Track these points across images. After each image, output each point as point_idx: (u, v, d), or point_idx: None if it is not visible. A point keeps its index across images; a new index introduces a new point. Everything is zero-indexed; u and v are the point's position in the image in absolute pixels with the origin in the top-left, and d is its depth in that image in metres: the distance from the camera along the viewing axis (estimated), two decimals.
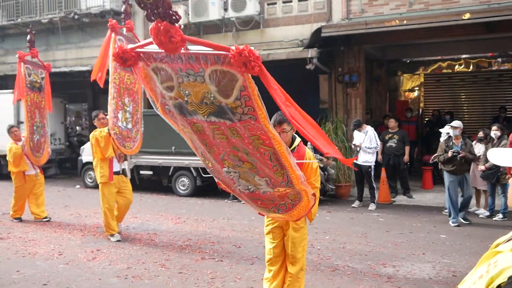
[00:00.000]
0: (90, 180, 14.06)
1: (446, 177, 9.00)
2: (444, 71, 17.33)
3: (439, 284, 5.68)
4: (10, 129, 9.44)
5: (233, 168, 3.64)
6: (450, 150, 8.78)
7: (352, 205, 10.74)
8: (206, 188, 12.55)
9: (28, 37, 9.23)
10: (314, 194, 3.78)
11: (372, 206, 10.44)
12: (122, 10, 7.98)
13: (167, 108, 3.46)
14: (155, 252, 7.05)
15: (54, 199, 9.73)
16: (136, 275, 5.92)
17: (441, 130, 10.17)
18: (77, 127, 20.74)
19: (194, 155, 13.11)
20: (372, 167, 10.55)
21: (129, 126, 7.88)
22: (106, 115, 7.94)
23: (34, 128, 9.20)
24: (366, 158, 10.52)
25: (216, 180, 4.14)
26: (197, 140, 3.59)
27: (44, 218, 9.38)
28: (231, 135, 3.30)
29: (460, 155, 8.67)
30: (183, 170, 12.39)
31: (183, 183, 12.48)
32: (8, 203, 11.15)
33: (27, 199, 9.50)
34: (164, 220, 9.39)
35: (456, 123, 9.08)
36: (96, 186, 13.74)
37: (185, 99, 3.22)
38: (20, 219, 9.40)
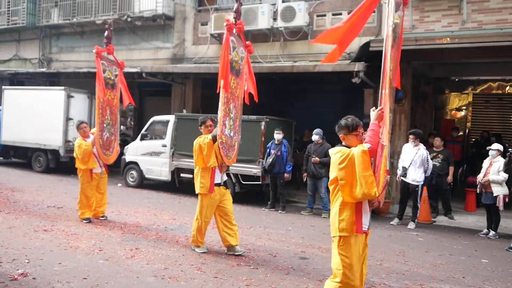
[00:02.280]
0: (131, 179, 14.36)
1: None
2: (494, 91, 16.90)
3: None
4: (79, 125, 9.18)
5: None
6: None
7: (391, 223, 10.58)
8: (244, 195, 12.62)
9: (106, 33, 9.35)
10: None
11: (411, 225, 10.26)
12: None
13: None
14: (191, 254, 7.12)
15: None
16: (172, 276, 6.00)
17: (488, 148, 9.90)
18: (122, 126, 21.20)
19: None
20: (420, 186, 10.37)
21: (232, 133, 7.21)
22: (214, 121, 7.36)
23: (104, 125, 9.11)
24: (415, 177, 10.33)
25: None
26: None
27: (102, 216, 9.32)
28: None
29: None
30: None
31: None
32: (53, 197, 11.53)
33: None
34: None
35: None
36: (137, 186, 14.11)
37: None
38: (89, 220, 8.97)
